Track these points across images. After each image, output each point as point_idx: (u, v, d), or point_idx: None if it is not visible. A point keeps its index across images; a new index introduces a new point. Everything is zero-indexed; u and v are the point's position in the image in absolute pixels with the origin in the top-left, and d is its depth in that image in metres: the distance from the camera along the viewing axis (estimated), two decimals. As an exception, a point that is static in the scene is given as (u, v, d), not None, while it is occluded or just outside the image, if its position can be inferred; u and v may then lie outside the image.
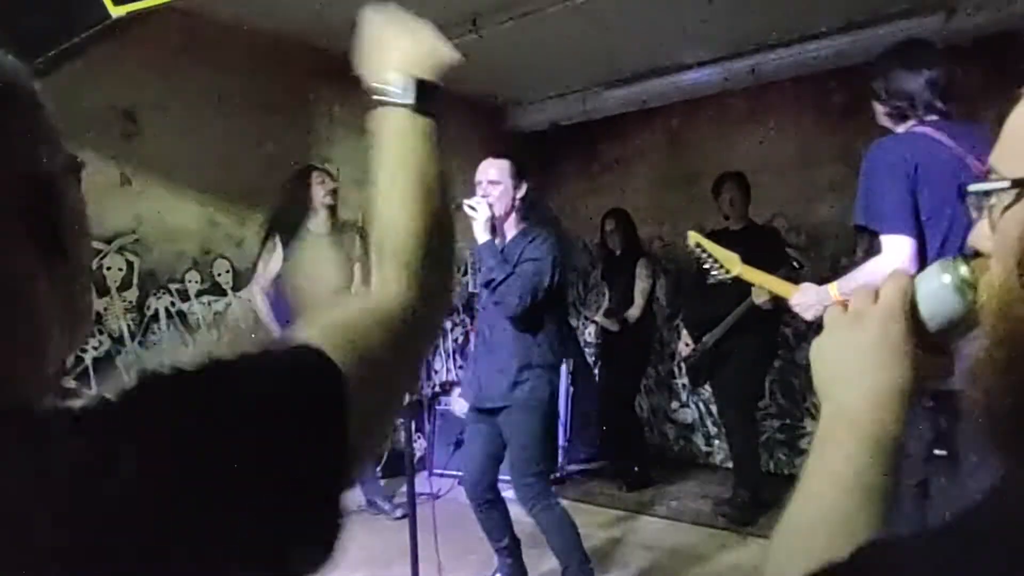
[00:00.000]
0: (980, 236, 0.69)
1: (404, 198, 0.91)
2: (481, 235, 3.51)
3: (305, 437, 0.63)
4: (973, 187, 0.67)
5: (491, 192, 3.58)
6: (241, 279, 5.22)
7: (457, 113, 6.66)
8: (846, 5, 4.83)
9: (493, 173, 3.61)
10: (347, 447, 0.65)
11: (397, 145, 0.96)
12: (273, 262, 4.70)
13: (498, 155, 3.70)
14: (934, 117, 2.81)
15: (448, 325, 6.63)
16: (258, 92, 5.21)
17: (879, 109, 2.98)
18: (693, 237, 3.33)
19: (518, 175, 3.64)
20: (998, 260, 0.65)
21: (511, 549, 3.81)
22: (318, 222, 4.79)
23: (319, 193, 4.77)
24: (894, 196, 2.65)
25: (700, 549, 4.48)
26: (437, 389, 6.28)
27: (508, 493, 3.80)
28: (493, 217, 3.54)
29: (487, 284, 3.53)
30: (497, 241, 3.58)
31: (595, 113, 6.58)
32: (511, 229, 3.68)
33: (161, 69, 4.69)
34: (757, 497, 4.96)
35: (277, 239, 4.71)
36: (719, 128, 6.41)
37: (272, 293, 4.70)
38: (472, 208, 3.52)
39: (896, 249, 2.61)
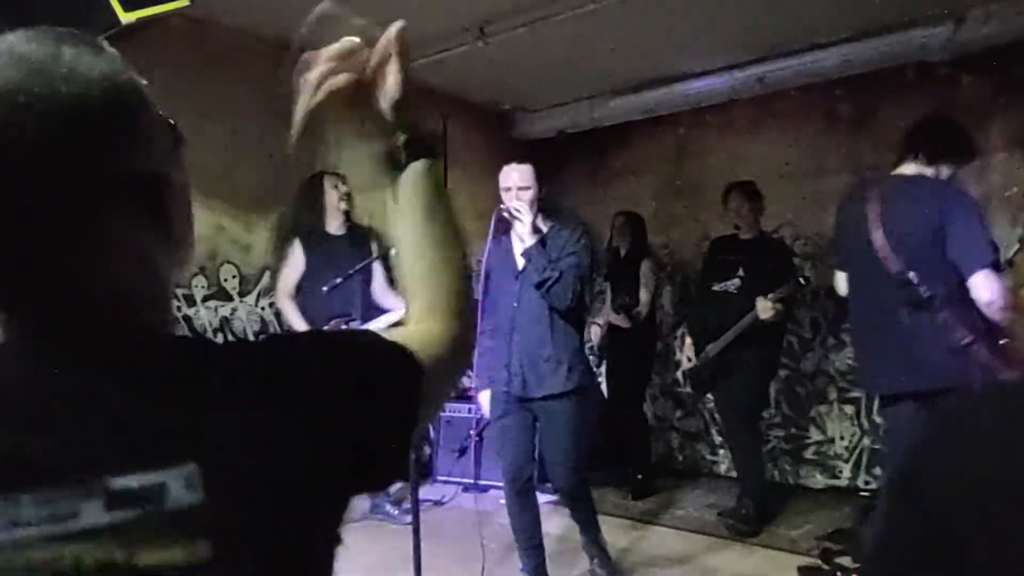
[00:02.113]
0: None
1: (432, 243, 1.03)
2: (528, 237, 3.66)
3: (395, 397, 0.84)
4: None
5: (524, 197, 3.69)
6: (247, 284, 5.24)
7: (464, 120, 6.69)
8: (854, 14, 4.83)
9: (523, 179, 3.71)
10: (417, 413, 0.86)
11: (414, 196, 1.05)
12: (294, 267, 4.81)
13: (521, 160, 3.81)
14: None
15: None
16: (265, 98, 5.21)
17: None
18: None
19: (539, 176, 3.77)
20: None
21: (539, 551, 3.87)
22: (335, 226, 4.92)
23: (333, 197, 4.88)
24: None
25: (704, 558, 4.46)
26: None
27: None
28: (534, 220, 3.69)
29: (540, 284, 3.64)
30: (528, 242, 3.72)
31: (602, 121, 6.58)
32: (536, 229, 3.78)
33: (169, 75, 4.70)
34: (761, 507, 4.94)
35: (297, 243, 4.82)
36: (726, 137, 6.40)
37: (300, 299, 4.79)
38: (519, 212, 3.66)
39: None
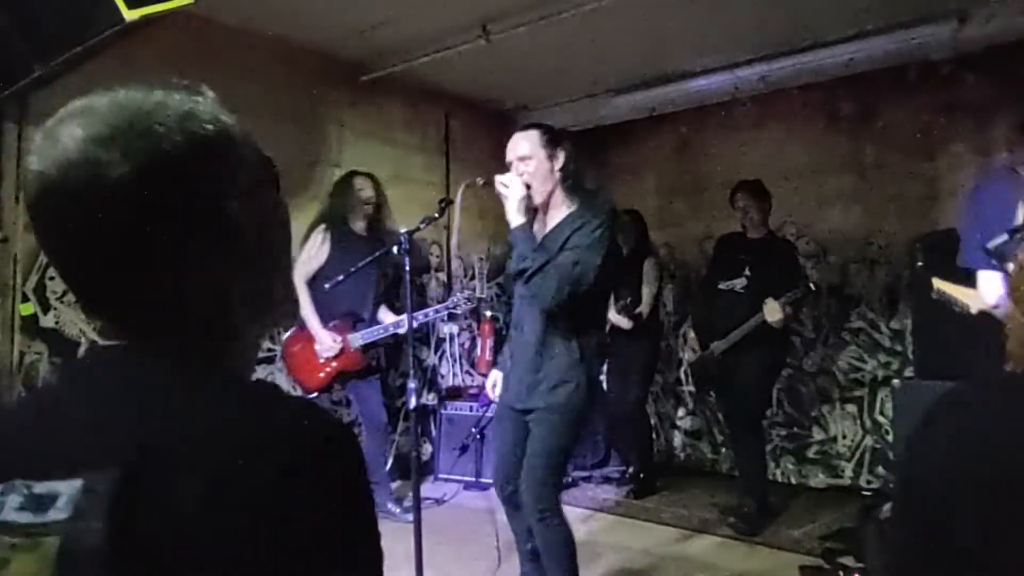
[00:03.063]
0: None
1: None
2: (514, 217, 3.10)
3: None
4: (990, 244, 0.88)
5: (524, 169, 3.13)
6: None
7: (466, 119, 6.70)
8: (857, 13, 4.82)
9: (522, 147, 3.16)
10: None
11: None
12: (316, 255, 4.84)
13: (526, 127, 3.27)
14: None
15: (455, 330, 6.63)
16: (269, 96, 5.23)
17: None
18: (936, 283, 3.29)
19: (552, 143, 3.17)
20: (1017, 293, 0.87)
21: (535, 553, 3.50)
22: (360, 226, 5.01)
23: (359, 198, 4.98)
24: None
25: (706, 557, 4.46)
26: (443, 394, 6.29)
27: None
28: (529, 196, 3.13)
29: (519, 274, 3.11)
30: (537, 226, 3.21)
31: (604, 120, 6.58)
32: (557, 210, 3.22)
33: (173, 73, 4.68)
34: (764, 506, 4.94)
35: (325, 233, 4.87)
36: (728, 135, 6.40)
37: (315, 290, 4.80)
38: (504, 185, 3.12)
39: None
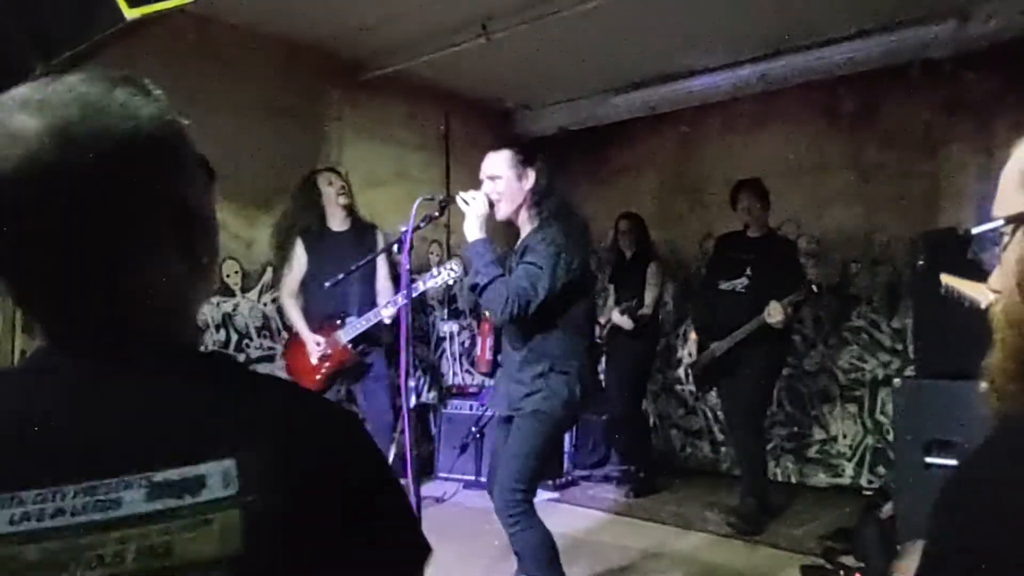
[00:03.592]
0: (993, 276, 0.85)
1: None
2: (471, 232, 3.21)
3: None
4: (976, 229, 0.86)
5: (493, 188, 3.28)
6: (250, 280, 5.24)
7: (466, 117, 6.69)
8: (858, 11, 4.82)
9: (491, 167, 3.32)
10: None
11: None
12: (297, 267, 4.79)
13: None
14: None
15: (455, 328, 6.63)
16: (269, 95, 5.23)
17: None
18: (945, 278, 3.28)
19: (523, 163, 3.30)
20: (1003, 286, 0.81)
21: None
22: (337, 222, 4.87)
23: (330, 193, 4.82)
24: None
25: (707, 556, 4.46)
26: (443, 393, 6.29)
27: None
28: (491, 214, 3.25)
29: (472, 287, 3.21)
30: (518, 244, 3.34)
31: (604, 118, 6.57)
32: (524, 228, 3.36)
33: (174, 72, 4.70)
34: (764, 505, 4.94)
35: (299, 243, 4.79)
36: (729, 134, 6.40)
37: (302, 297, 4.79)
38: (464, 202, 3.23)
39: None
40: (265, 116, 5.17)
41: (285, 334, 5.23)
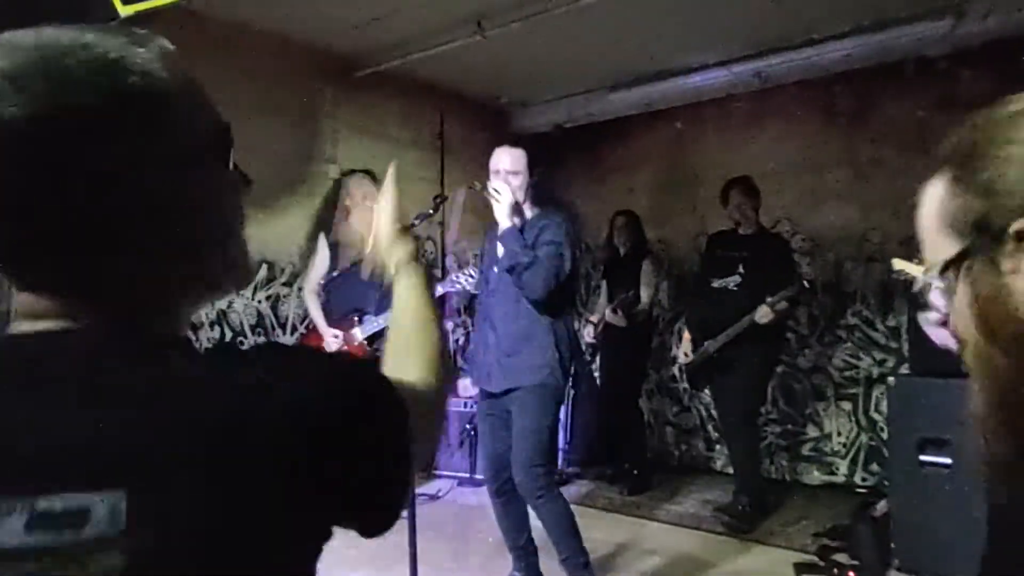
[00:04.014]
0: (951, 326, 0.83)
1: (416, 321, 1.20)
2: (505, 220, 3.53)
3: (383, 434, 0.78)
4: (918, 284, 0.85)
5: (512, 181, 3.59)
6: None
7: (461, 114, 6.68)
8: (853, 9, 4.81)
9: (513, 163, 3.62)
10: (408, 440, 0.80)
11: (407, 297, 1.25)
12: (320, 263, 4.94)
13: (513, 144, 3.75)
14: None
15: (450, 326, 6.63)
16: (263, 92, 5.22)
17: None
18: (897, 263, 3.29)
19: (530, 162, 3.67)
20: (965, 333, 0.79)
21: (528, 552, 3.73)
22: (363, 224, 4.95)
23: (356, 196, 4.99)
24: None
25: (700, 554, 4.46)
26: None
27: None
28: (517, 203, 3.59)
29: (511, 269, 3.51)
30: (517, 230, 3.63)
31: (599, 115, 6.56)
32: (525, 215, 3.72)
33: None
34: (758, 503, 4.94)
35: (323, 240, 4.95)
36: (724, 131, 6.39)
37: (322, 293, 4.92)
38: (498, 192, 3.54)
39: None
40: (259, 113, 5.14)
41: (303, 330, 5.35)
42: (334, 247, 4.92)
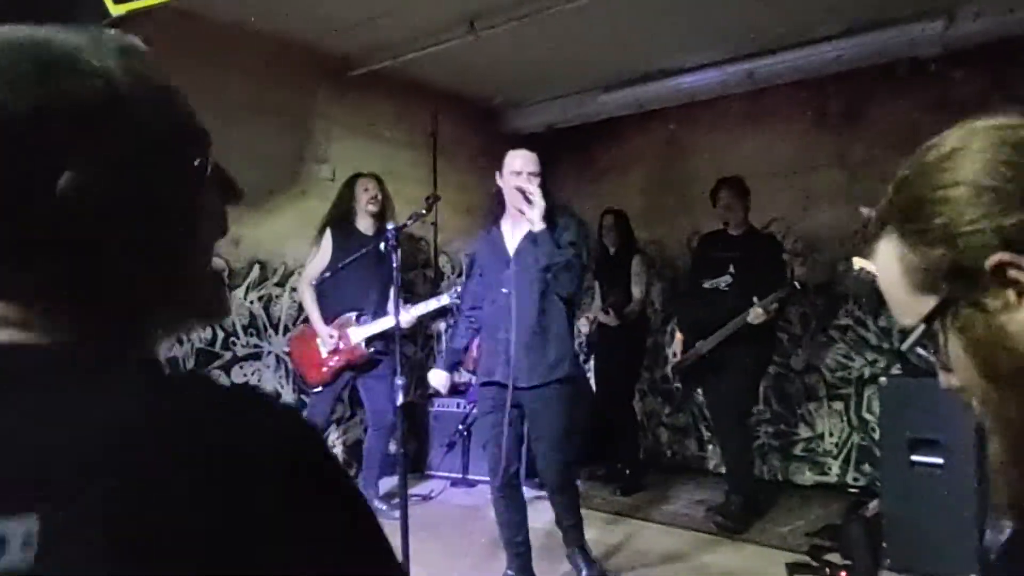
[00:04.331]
0: (950, 376, 0.81)
1: None
2: (539, 222, 3.58)
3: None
4: (904, 345, 0.82)
5: (534, 183, 3.64)
6: (236, 278, 5.21)
7: (454, 115, 6.68)
8: (845, 10, 4.82)
9: (534, 164, 3.70)
10: None
11: None
12: (321, 257, 4.97)
13: (529, 148, 3.79)
14: None
15: (442, 327, 6.62)
16: (255, 92, 5.21)
17: None
18: (857, 262, 3.31)
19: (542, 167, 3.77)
20: (966, 381, 0.77)
21: (523, 550, 3.79)
22: (365, 225, 5.08)
23: (363, 199, 5.04)
24: None
25: (693, 554, 4.46)
26: (431, 391, 6.26)
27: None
28: (549, 206, 3.67)
29: (547, 268, 3.59)
30: (509, 227, 3.81)
31: (592, 116, 6.57)
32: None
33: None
34: (750, 503, 4.95)
35: (328, 234, 4.99)
36: (716, 132, 6.40)
37: (318, 286, 4.95)
38: (533, 195, 3.61)
39: None
40: (252, 113, 5.14)
41: (301, 325, 5.32)
42: (338, 243, 4.93)
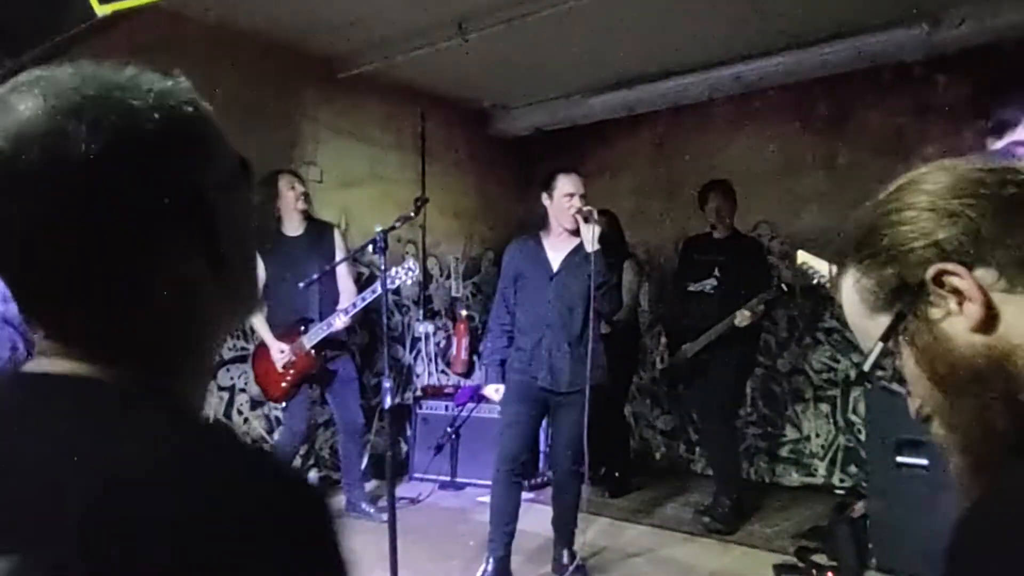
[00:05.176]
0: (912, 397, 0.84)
1: None
2: (594, 244, 3.88)
3: None
4: (866, 365, 0.85)
5: (587, 204, 3.95)
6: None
7: (442, 117, 6.68)
8: (831, 15, 4.85)
9: (584, 188, 4.06)
10: None
11: None
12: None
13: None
14: None
15: (430, 329, 6.62)
16: (242, 93, 5.19)
17: None
18: (801, 256, 3.32)
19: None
20: (921, 395, 0.81)
21: (509, 540, 3.96)
22: (293, 226, 4.88)
23: (289, 199, 4.84)
24: None
25: (681, 556, 4.47)
26: (419, 393, 6.27)
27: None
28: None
29: (600, 286, 3.92)
30: (554, 242, 4.13)
31: (580, 119, 6.58)
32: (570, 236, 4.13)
33: (145, 69, 4.66)
34: (738, 505, 4.96)
35: None
36: (704, 135, 6.42)
37: (264, 304, 4.68)
38: (592, 219, 3.88)
39: None
40: (238, 115, 5.11)
41: (251, 346, 5.13)
42: (265, 258, 4.60)
